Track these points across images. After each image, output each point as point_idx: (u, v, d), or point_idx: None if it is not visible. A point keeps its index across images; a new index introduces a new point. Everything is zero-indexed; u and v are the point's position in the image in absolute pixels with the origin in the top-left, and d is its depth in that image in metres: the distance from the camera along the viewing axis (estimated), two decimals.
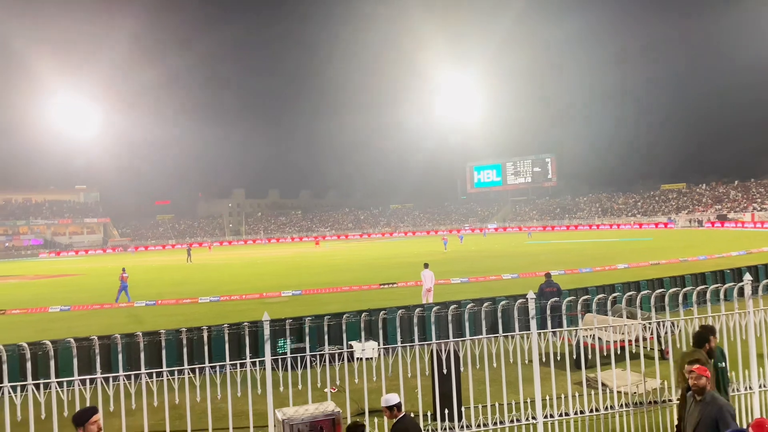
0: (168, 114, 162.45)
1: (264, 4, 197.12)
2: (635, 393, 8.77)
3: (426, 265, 22.56)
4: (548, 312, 8.88)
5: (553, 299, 9.65)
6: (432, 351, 8.98)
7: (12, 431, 6.63)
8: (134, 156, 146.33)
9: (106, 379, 7.34)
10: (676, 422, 6.50)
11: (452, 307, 9.73)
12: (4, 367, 7.24)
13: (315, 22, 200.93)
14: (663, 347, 12.10)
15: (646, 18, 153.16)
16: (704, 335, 6.97)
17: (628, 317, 12.13)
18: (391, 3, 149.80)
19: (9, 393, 6.76)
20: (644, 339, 11.40)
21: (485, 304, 10.10)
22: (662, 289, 10.89)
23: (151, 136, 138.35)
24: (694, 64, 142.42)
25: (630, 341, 10.35)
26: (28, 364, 7.05)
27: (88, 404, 7.28)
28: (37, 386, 7.00)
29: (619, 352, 10.64)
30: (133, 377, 7.51)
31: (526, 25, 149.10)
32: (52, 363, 7.14)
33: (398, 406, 6.04)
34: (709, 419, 5.31)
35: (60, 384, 7.09)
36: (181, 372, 7.66)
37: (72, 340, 7.82)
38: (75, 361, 7.42)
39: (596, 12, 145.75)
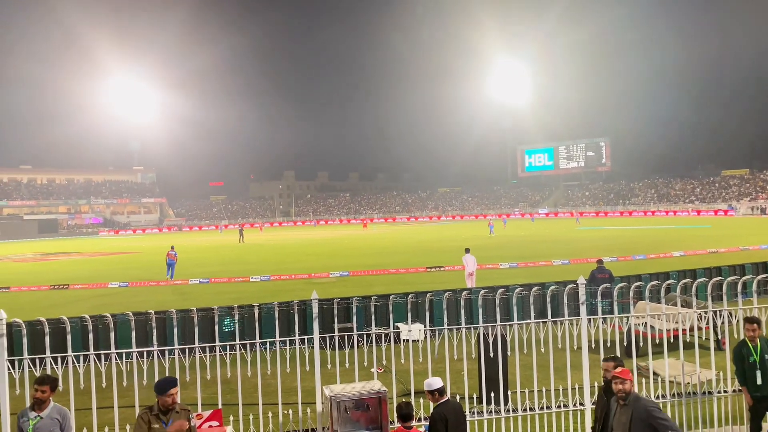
0: (222, 96, 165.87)
1: None
2: (688, 383, 8.51)
3: (467, 250, 22.48)
4: (599, 298, 8.69)
5: (604, 285, 9.44)
6: (479, 334, 8.96)
7: (75, 398, 6.99)
8: (189, 138, 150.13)
9: (162, 352, 7.62)
10: (591, 425, 6.33)
11: (500, 291, 9.64)
12: (69, 337, 7.61)
13: (367, 4, 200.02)
14: (719, 337, 11.70)
15: None
16: None
17: (682, 306, 11.76)
18: None
19: (73, 362, 7.12)
20: (699, 329, 11.05)
21: (534, 289, 9.95)
22: (720, 278, 10.49)
23: (205, 118, 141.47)
24: (758, 44, 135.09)
25: (684, 330, 10.05)
26: (90, 336, 7.39)
27: (146, 376, 7.60)
28: (98, 357, 7.34)
29: (672, 341, 10.34)
30: (187, 351, 7.73)
31: (579, 6, 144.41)
32: (112, 335, 7.46)
33: (441, 390, 6.03)
34: (639, 421, 5.19)
35: (119, 355, 7.42)
36: (233, 348, 7.86)
37: (130, 314, 8.11)
38: (133, 334, 7.72)
39: None
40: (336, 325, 9.82)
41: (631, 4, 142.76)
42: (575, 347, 8.32)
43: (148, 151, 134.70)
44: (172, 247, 31.37)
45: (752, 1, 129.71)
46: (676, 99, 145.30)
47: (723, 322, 8.63)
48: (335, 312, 8.99)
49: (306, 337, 7.98)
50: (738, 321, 8.70)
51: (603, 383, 5.99)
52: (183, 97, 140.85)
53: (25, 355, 7.03)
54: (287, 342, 8.26)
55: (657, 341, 11.28)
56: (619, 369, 5.49)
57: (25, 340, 7.20)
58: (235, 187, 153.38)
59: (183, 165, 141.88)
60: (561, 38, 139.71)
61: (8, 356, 6.76)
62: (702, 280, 9.96)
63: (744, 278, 9.41)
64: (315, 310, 7.72)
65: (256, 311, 8.42)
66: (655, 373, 10.01)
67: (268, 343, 8.07)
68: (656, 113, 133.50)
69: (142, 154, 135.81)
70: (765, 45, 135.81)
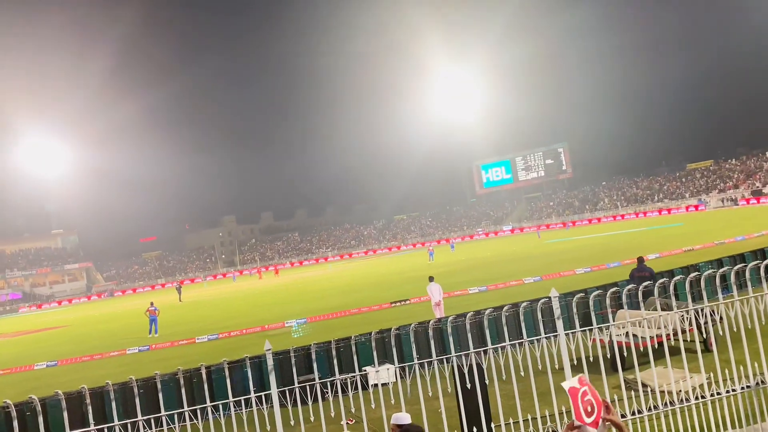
0: (146, 145, 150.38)
1: (242, 20, 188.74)
2: (680, 391, 8.31)
3: (431, 279, 21.89)
4: (640, 297, 8.86)
5: (644, 285, 9.32)
6: (452, 366, 8.39)
7: None
8: (112, 193, 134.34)
9: (101, 431, 7.04)
10: None
11: (470, 314, 9.23)
12: None
13: (299, 27, 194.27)
14: (705, 338, 11.31)
15: None
16: None
17: (663, 309, 11.15)
18: None
19: None
20: (683, 331, 10.56)
21: (505, 309, 9.15)
22: (696, 273, 10.61)
23: (128, 171, 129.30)
24: (709, 30, 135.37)
25: (668, 335, 9.76)
26: (15, 424, 6.76)
27: None
28: None
29: (657, 348, 9.53)
30: (129, 426, 7.18)
31: (528, 15, 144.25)
32: (40, 419, 6.82)
33: (411, 428, 5.43)
34: None
35: None
36: (181, 416, 7.24)
37: (60, 393, 7.45)
38: (65, 414, 7.13)
39: None
40: (296, 378, 8.97)
41: (578, 13, 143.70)
42: (557, 367, 8.02)
43: (67, 213, 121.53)
44: (152, 303, 31.52)
45: None
46: (631, 97, 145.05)
47: (707, 321, 8.26)
48: (293, 363, 8.42)
49: (263, 393, 7.48)
50: (721, 318, 8.48)
51: None
52: (101, 151, 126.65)
53: None
54: (242, 403, 7.68)
55: (642, 350, 10.50)
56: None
57: None
58: (170, 240, 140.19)
59: (108, 223, 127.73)
60: (508, 48, 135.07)
61: None
62: (679, 277, 9.61)
63: (721, 270, 9.15)
64: (270, 362, 7.32)
65: (204, 372, 8.05)
66: (644, 385, 9.53)
67: (220, 407, 7.54)
68: (612, 113, 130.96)
69: (61, 216, 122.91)
70: (714, 33, 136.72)
